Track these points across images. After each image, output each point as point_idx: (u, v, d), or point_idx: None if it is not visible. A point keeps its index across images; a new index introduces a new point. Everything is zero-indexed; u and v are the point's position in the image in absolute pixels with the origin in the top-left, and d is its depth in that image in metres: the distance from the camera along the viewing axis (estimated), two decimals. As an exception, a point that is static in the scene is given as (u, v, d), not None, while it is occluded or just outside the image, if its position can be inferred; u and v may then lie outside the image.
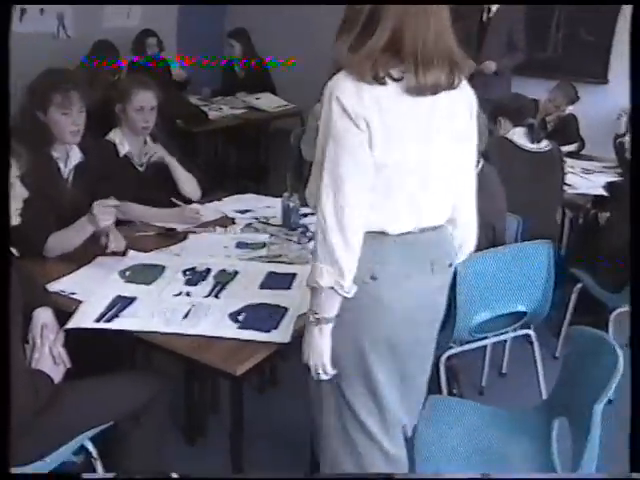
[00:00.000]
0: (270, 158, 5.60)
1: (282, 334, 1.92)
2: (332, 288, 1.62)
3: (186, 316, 2.01)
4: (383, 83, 1.56)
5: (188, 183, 2.96)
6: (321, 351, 1.70)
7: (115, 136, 2.88)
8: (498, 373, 3.18)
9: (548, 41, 5.56)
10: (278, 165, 5.56)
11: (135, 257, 2.42)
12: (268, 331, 1.93)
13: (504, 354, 3.17)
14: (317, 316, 1.67)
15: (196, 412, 2.64)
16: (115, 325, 1.97)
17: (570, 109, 4.49)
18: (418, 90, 1.58)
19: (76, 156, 2.54)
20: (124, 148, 2.88)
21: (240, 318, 2.00)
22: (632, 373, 1.47)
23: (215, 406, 2.76)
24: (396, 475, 1.89)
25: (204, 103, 5.25)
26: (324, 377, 1.73)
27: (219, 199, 3.09)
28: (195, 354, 1.87)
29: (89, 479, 1.81)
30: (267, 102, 5.48)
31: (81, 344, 1.97)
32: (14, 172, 1.86)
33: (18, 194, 1.89)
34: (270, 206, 2.97)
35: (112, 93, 2.96)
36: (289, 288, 2.21)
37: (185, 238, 2.61)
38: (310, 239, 2.59)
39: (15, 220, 1.90)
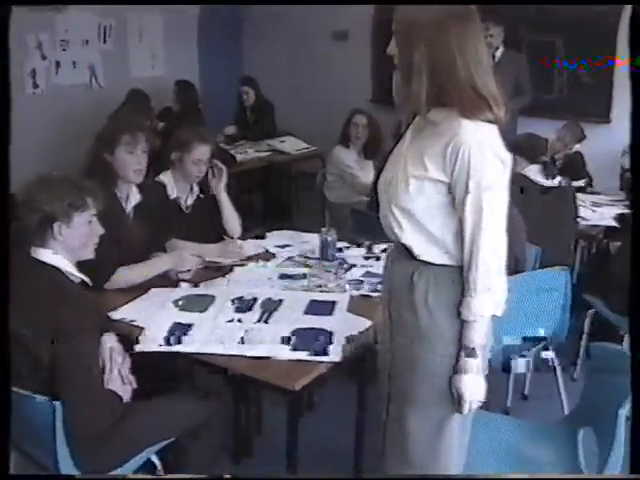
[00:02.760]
0: (293, 198, 5.86)
1: (333, 354, 2.13)
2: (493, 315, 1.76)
3: (242, 340, 2.22)
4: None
5: (232, 220, 3.21)
6: (481, 383, 1.79)
7: (165, 178, 3.12)
8: (521, 396, 3.36)
9: (553, 84, 5.85)
10: (301, 205, 5.84)
11: (186, 289, 2.65)
12: (319, 352, 2.14)
13: (525, 378, 3.35)
14: (473, 347, 1.76)
15: (243, 433, 2.83)
16: (180, 348, 2.19)
17: (577, 147, 4.73)
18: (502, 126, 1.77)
19: (135, 196, 2.77)
20: (173, 192, 3.11)
21: (292, 341, 2.21)
22: (632, 374, 1.63)
23: (258, 429, 2.95)
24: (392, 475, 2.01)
25: (230, 147, 5.52)
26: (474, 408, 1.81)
27: (261, 236, 3.33)
28: (255, 373, 2.08)
29: (86, 479, 2.01)
30: (290, 145, 5.76)
31: (145, 367, 2.18)
32: (91, 211, 2.09)
33: (96, 231, 2.12)
34: (306, 241, 3.20)
35: (171, 141, 3.20)
36: (331, 314, 2.42)
37: (231, 271, 2.83)
38: (346, 270, 2.82)
39: (91, 254, 2.13)
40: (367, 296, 2.59)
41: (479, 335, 1.77)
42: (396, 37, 1.76)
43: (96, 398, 1.95)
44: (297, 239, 3.29)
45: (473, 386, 1.80)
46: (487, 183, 1.69)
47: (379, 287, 2.60)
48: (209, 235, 3.10)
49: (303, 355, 2.12)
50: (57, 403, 1.83)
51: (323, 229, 2.99)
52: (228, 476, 2.24)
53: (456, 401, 1.82)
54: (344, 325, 2.32)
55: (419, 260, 1.82)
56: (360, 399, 2.81)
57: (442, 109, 1.74)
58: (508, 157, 1.74)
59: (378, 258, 3.00)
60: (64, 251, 2.05)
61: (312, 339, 2.22)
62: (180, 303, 2.51)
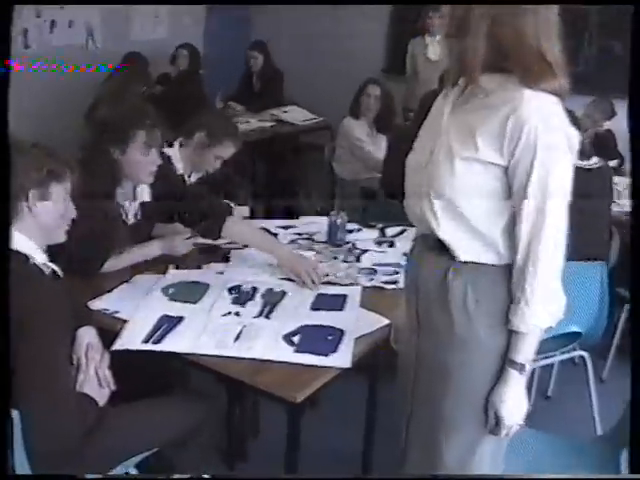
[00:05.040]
0: (300, 173, 5.52)
1: (342, 358, 1.82)
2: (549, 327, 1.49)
3: (238, 338, 1.92)
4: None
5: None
6: (524, 405, 1.55)
7: (172, 152, 2.79)
8: (543, 396, 3.07)
9: (580, 55, 5.47)
10: (308, 180, 5.51)
11: (176, 275, 2.33)
12: (327, 355, 1.83)
13: (550, 377, 3.06)
14: (522, 363, 1.50)
15: (237, 436, 2.54)
16: (164, 347, 1.88)
17: (607, 125, 4.39)
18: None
19: (144, 193, 2.42)
20: (179, 168, 2.81)
21: (295, 340, 1.91)
22: (632, 373, 1.42)
23: (255, 431, 2.67)
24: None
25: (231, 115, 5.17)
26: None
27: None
28: (251, 379, 1.78)
29: (86, 479, 1.73)
30: (295, 115, 5.41)
31: (127, 366, 1.88)
32: (67, 185, 1.78)
33: (70, 211, 1.81)
34: (313, 222, 2.88)
35: (198, 120, 2.88)
36: (341, 310, 2.11)
37: (228, 254, 2.51)
38: (357, 257, 2.50)
39: (62, 237, 1.82)
40: (381, 288, 2.27)
41: (530, 349, 1.48)
42: None
43: (62, 408, 1.64)
44: (302, 219, 2.97)
45: (515, 409, 1.52)
46: (555, 170, 1.39)
47: (394, 277, 2.31)
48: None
49: (308, 358, 1.82)
50: (15, 413, 1.55)
51: (332, 211, 2.66)
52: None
53: (492, 423, 1.54)
54: (356, 323, 2.01)
55: (455, 256, 1.51)
56: (371, 397, 2.55)
57: (497, 74, 1.43)
58: (577, 137, 1.43)
59: (392, 243, 2.69)
60: (34, 230, 1.74)
61: (320, 339, 1.91)
62: (170, 292, 2.20)
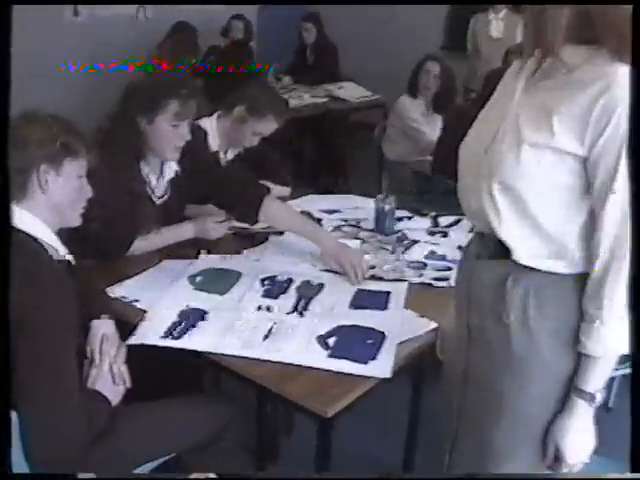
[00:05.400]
0: (347, 153, 5.27)
1: (382, 367, 1.60)
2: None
3: (267, 336, 1.73)
4: None
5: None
6: (591, 440, 1.32)
7: (208, 125, 2.60)
8: (605, 408, 2.80)
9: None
10: (356, 161, 5.26)
11: (207, 261, 2.15)
12: (365, 362, 1.62)
13: (611, 387, 2.79)
14: (593, 392, 1.28)
15: (268, 434, 2.36)
16: (185, 343, 1.70)
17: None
18: None
19: (171, 169, 2.21)
20: (214, 144, 2.61)
21: (330, 343, 1.70)
22: (632, 372, 1.23)
23: (289, 427, 2.49)
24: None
25: (284, 90, 4.96)
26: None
27: (302, 196, 2.80)
28: (278, 386, 1.58)
29: (85, 479, 1.56)
30: (350, 92, 5.17)
31: (145, 361, 1.71)
32: (83, 163, 1.60)
33: (86, 191, 1.63)
34: (360, 207, 2.65)
35: (242, 93, 2.66)
36: (384, 309, 1.90)
37: (266, 240, 2.32)
38: (406, 249, 2.28)
39: (77, 221, 1.65)
40: (430, 285, 2.05)
41: (602, 376, 1.26)
42: None
43: (66, 411, 1.48)
44: (348, 203, 2.73)
45: (580, 444, 1.30)
46: None
47: (446, 274, 2.08)
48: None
49: (344, 365, 1.61)
50: (13, 415, 1.39)
51: (379, 195, 2.44)
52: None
53: (552, 458, 1.31)
54: (400, 326, 1.80)
55: (516, 260, 1.28)
56: (415, 398, 2.35)
57: (583, 47, 1.18)
58: None
59: (445, 234, 2.45)
60: (47, 211, 1.57)
61: (358, 343, 1.70)
62: (197, 280, 2.02)
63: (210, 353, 1.67)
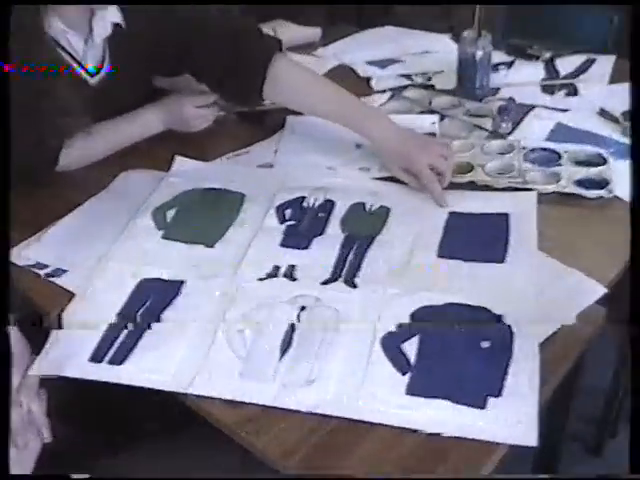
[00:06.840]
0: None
1: (513, 415, 0.76)
2: None
3: (289, 344, 0.90)
4: None
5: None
6: None
7: None
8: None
9: None
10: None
11: (187, 173, 1.29)
12: (482, 405, 0.78)
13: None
14: None
15: None
16: (132, 373, 0.89)
17: None
18: None
19: (106, 22, 1.25)
20: None
21: (410, 353, 0.86)
22: (632, 371, 0.83)
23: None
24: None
25: None
26: None
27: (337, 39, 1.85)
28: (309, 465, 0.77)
29: (79, 479, 0.93)
30: None
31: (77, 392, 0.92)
32: None
33: None
34: (430, 51, 1.70)
35: None
36: (503, 259, 1.02)
37: (282, 127, 1.43)
38: (516, 124, 1.36)
39: None
40: (577, 197, 1.15)
41: None
42: None
43: None
44: (406, 42, 1.76)
45: None
46: None
47: (600, 172, 1.20)
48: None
49: (443, 415, 0.78)
50: None
51: (467, 32, 1.46)
52: None
53: None
54: (537, 298, 0.94)
55: None
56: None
57: None
58: None
59: (574, 90, 1.51)
60: None
61: (463, 354, 0.86)
62: (169, 215, 1.17)
63: (179, 393, 0.86)
